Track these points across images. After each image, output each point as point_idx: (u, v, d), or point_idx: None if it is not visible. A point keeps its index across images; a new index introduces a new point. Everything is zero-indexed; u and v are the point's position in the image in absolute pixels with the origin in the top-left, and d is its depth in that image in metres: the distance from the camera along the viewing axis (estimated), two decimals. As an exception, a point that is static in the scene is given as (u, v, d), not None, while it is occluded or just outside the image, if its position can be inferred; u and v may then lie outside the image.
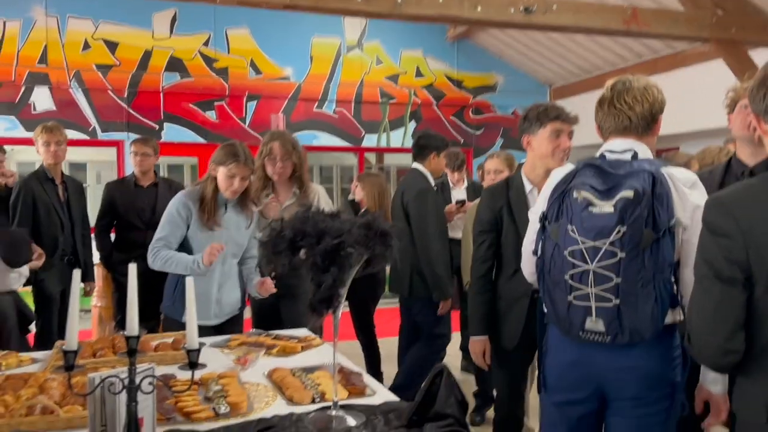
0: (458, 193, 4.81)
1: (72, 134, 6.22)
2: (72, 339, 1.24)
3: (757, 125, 1.43)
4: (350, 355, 2.65)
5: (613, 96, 1.85)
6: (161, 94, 7.33)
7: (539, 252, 1.85)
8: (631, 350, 1.72)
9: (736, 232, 1.33)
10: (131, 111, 7.23)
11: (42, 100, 6.91)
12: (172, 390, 1.81)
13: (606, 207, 1.67)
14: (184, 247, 2.79)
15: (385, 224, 1.67)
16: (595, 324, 1.70)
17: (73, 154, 5.52)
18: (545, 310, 1.87)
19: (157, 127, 7.33)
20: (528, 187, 2.49)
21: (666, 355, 1.75)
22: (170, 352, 2.25)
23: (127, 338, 1.23)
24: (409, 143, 8.41)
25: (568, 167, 1.88)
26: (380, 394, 1.92)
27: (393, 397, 1.88)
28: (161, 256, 2.71)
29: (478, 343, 2.52)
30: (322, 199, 3.19)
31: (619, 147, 1.81)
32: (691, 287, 1.47)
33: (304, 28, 7.76)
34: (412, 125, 8.41)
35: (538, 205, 1.95)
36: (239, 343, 2.51)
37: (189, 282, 1.36)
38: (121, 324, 4.04)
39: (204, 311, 2.71)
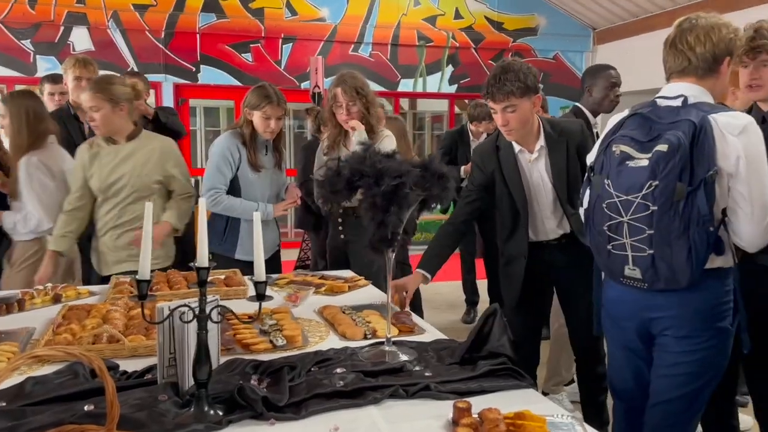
0: None
1: (112, 75, 6.25)
2: (145, 269, 1.29)
3: None
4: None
5: (676, 35, 1.77)
6: (197, 35, 7.29)
7: (585, 203, 1.89)
8: (669, 292, 1.73)
9: None
10: (168, 52, 7.22)
11: (81, 40, 6.92)
12: (230, 323, 1.87)
13: (642, 161, 1.68)
14: (233, 186, 2.86)
15: (442, 166, 1.68)
16: (632, 271, 1.75)
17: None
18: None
19: (194, 69, 7.32)
20: (517, 148, 2.41)
21: (708, 298, 1.73)
22: (223, 288, 2.32)
23: (198, 269, 1.27)
24: (445, 89, 8.27)
25: (622, 115, 1.85)
26: (430, 332, 1.96)
27: (443, 336, 1.91)
28: (222, 202, 2.83)
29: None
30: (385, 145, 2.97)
31: (673, 92, 1.76)
32: (742, 233, 1.65)
33: (342, -34, 7.60)
34: (449, 70, 8.25)
35: (590, 156, 1.95)
36: (287, 281, 2.57)
37: (257, 217, 1.39)
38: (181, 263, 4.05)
39: (246, 249, 2.80)
